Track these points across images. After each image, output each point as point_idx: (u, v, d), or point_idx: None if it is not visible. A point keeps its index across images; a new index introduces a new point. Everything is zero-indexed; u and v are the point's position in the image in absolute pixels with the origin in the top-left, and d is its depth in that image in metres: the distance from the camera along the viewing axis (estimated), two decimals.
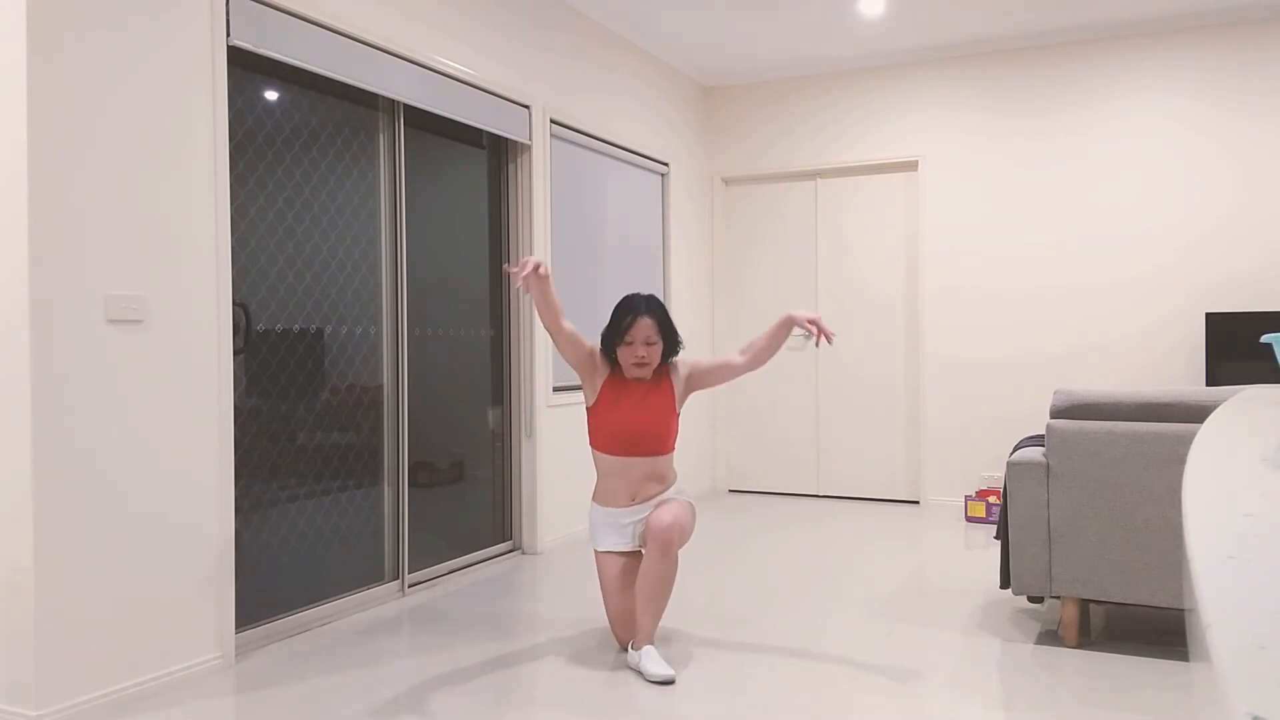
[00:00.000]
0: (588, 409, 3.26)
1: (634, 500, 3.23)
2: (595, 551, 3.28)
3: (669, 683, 2.95)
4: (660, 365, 3.27)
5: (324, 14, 3.50)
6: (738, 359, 3.28)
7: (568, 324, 3.13)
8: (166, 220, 2.94)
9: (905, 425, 6.20)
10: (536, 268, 2.94)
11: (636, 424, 3.17)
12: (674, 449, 3.30)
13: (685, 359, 3.35)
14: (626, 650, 3.24)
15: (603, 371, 3.23)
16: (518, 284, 2.99)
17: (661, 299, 6.08)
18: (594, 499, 3.31)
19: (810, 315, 3.16)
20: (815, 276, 6.44)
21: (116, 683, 2.79)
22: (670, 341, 3.23)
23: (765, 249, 6.59)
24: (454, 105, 4.22)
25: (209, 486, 3.08)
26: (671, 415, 3.23)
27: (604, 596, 3.25)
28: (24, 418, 2.58)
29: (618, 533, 3.25)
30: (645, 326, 3.14)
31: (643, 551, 3.20)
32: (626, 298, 3.22)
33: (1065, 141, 5.70)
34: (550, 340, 4.89)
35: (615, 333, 3.17)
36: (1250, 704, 0.39)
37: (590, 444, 3.29)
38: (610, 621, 3.26)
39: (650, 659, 3.00)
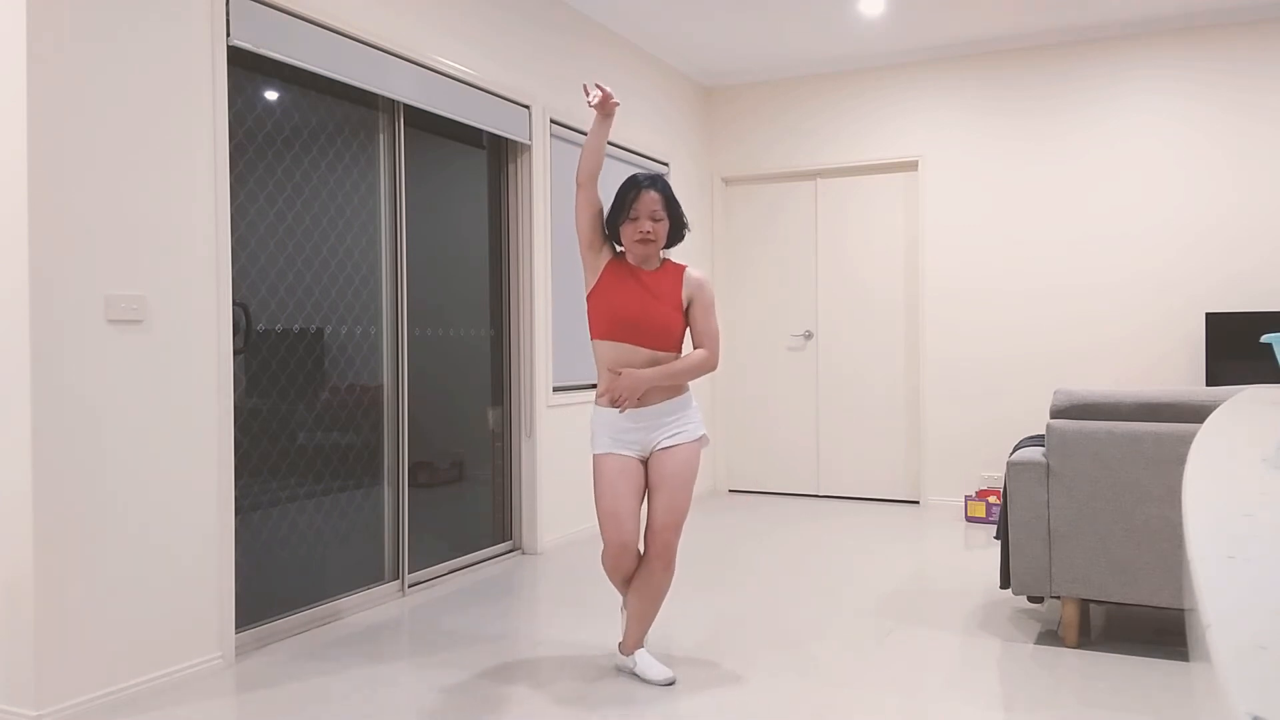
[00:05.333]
0: (587, 296, 3.03)
1: (638, 402, 2.96)
2: (594, 456, 3.00)
3: (671, 683, 2.95)
4: (673, 266, 3.06)
5: (324, 14, 3.50)
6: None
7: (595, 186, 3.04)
8: (166, 220, 2.94)
9: (905, 425, 6.20)
10: (609, 99, 2.92)
11: (638, 308, 2.95)
12: (680, 351, 3.06)
13: (698, 283, 3.06)
14: (622, 605, 3.14)
15: (606, 253, 3.04)
16: (592, 98, 2.91)
17: None
18: (597, 400, 3.03)
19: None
20: (815, 276, 6.43)
21: (116, 683, 2.79)
22: (676, 220, 3.04)
23: (765, 249, 6.59)
24: (454, 105, 4.22)
25: (209, 486, 3.08)
26: (677, 309, 3.00)
27: (597, 496, 2.96)
28: (24, 418, 2.58)
29: (621, 439, 2.98)
30: (650, 200, 2.95)
31: (644, 465, 3.00)
32: (629, 176, 3.02)
33: (1065, 141, 5.70)
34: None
35: (619, 208, 2.98)
36: (1250, 704, 0.39)
37: (590, 335, 3.06)
38: (601, 521, 2.96)
39: (647, 664, 2.98)
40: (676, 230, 3.05)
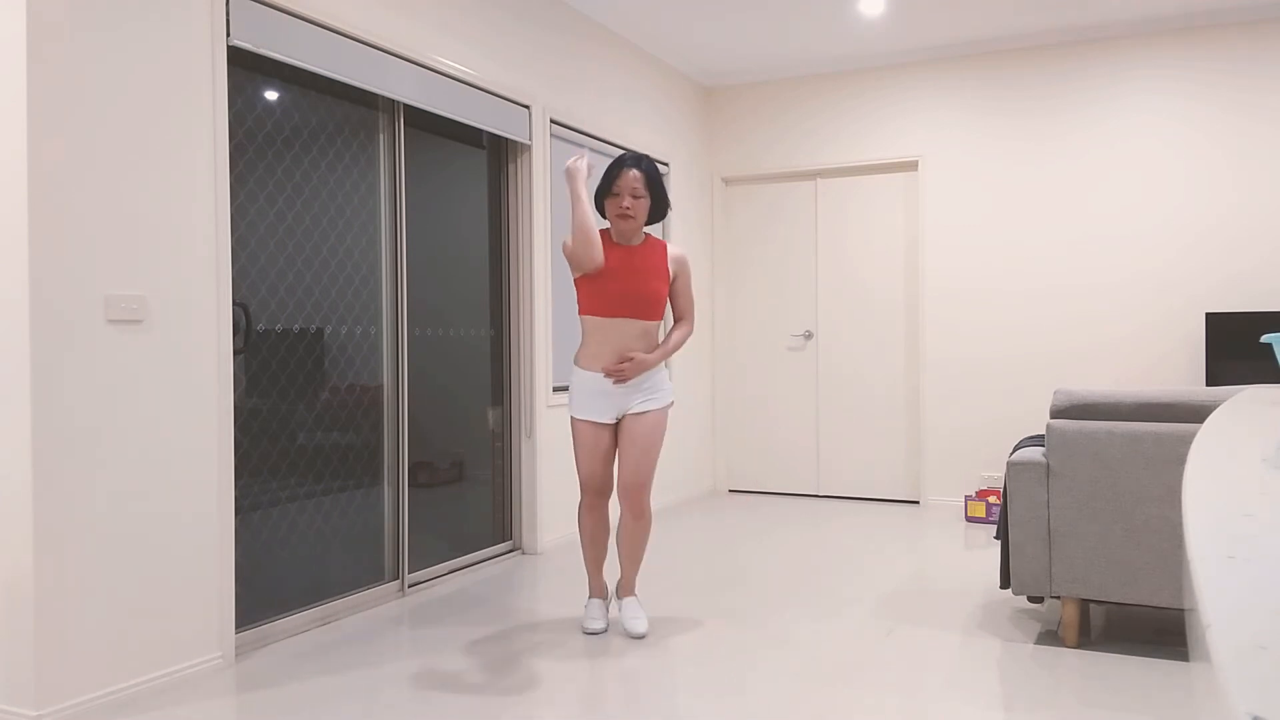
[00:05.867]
0: (577, 280, 3.28)
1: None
2: (572, 418, 3.34)
3: (641, 637, 3.31)
4: (655, 240, 3.35)
5: (324, 14, 3.50)
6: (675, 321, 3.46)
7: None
8: (166, 220, 2.94)
9: (905, 425, 6.20)
10: (580, 165, 3.19)
11: (630, 285, 3.22)
12: (662, 318, 3.41)
13: (681, 260, 3.38)
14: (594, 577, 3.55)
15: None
16: (575, 164, 3.18)
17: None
18: (577, 362, 3.33)
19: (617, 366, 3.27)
20: (815, 276, 6.44)
21: (116, 683, 2.79)
22: (658, 199, 3.31)
23: (765, 249, 6.59)
24: (454, 105, 4.22)
25: (209, 486, 3.08)
26: (663, 281, 3.29)
27: (577, 460, 3.36)
28: (24, 418, 2.58)
29: (599, 404, 3.30)
30: (631, 178, 3.23)
31: (615, 424, 3.35)
32: (617, 156, 3.31)
33: (1065, 141, 5.70)
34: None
35: (604, 185, 3.28)
36: (1250, 704, 0.39)
37: (579, 312, 3.32)
38: (580, 477, 3.36)
39: (631, 612, 3.40)
40: (659, 208, 3.33)
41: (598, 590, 3.52)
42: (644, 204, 3.25)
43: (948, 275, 5.99)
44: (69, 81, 2.67)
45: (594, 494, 3.38)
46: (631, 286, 3.21)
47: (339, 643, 3.37)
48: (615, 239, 3.30)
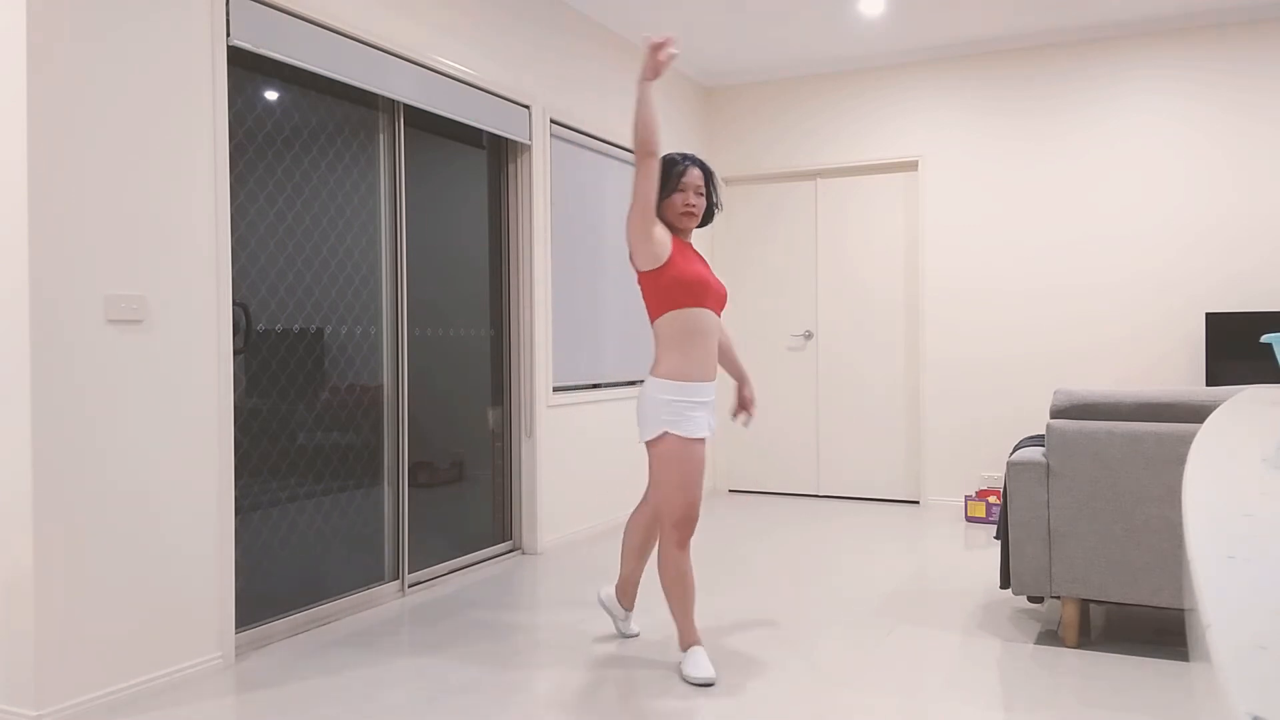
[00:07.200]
0: (660, 270, 3.00)
1: (712, 372, 3.11)
2: (680, 439, 2.98)
3: (633, 637, 3.33)
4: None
5: (324, 14, 3.50)
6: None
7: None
8: (166, 220, 2.94)
9: (905, 425, 6.20)
10: (663, 48, 2.89)
11: (709, 276, 3.07)
12: None
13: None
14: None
15: (662, 225, 3.06)
16: (661, 54, 2.89)
17: None
18: (672, 377, 3.01)
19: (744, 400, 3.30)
20: (815, 276, 6.44)
21: (116, 683, 2.79)
22: (711, 201, 3.19)
23: (765, 249, 6.58)
24: (454, 105, 4.22)
25: (209, 486, 3.08)
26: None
27: (683, 487, 2.99)
28: (24, 418, 2.58)
29: (703, 418, 3.04)
30: (696, 176, 3.09)
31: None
32: (670, 156, 3.13)
33: (1065, 141, 5.70)
34: (543, 340, 4.88)
35: (667, 179, 3.08)
36: (1250, 704, 0.39)
37: (661, 311, 3.03)
38: (680, 503, 3.01)
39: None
40: (709, 212, 3.23)
41: (696, 636, 3.09)
42: (704, 203, 3.14)
43: (948, 275, 5.99)
44: (69, 82, 2.67)
45: (687, 527, 3.04)
46: (707, 275, 3.05)
47: (339, 643, 3.37)
48: (677, 229, 3.13)
